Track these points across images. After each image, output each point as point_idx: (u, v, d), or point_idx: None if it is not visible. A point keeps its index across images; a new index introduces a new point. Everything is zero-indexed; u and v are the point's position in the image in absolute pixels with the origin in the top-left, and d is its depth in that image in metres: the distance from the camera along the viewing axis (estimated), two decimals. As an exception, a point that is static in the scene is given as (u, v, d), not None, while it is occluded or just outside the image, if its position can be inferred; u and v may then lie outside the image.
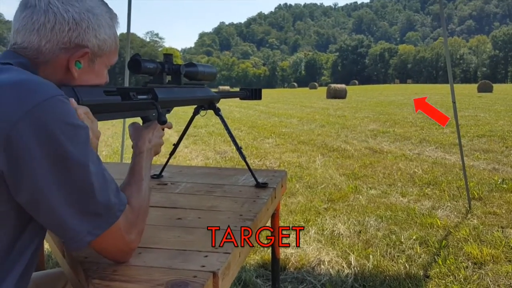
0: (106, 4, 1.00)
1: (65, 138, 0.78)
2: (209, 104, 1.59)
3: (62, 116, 0.79)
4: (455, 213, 3.68)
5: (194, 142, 8.26)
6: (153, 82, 1.24)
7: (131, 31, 4.61)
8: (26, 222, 0.85)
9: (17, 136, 0.75)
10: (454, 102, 3.67)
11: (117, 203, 0.88)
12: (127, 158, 4.81)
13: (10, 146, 0.75)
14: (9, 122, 0.75)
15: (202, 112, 1.66)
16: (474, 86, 39.16)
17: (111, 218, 0.86)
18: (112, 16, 1.01)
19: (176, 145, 1.81)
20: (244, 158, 1.67)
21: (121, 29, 1.11)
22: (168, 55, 1.30)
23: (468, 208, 3.78)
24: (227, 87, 41.42)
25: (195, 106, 1.61)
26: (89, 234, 0.84)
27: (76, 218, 0.81)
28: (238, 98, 1.87)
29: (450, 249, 2.91)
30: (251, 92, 1.88)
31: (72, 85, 0.93)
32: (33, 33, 0.88)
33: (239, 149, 1.68)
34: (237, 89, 1.89)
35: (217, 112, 1.62)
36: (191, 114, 1.70)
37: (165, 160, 1.91)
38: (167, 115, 1.26)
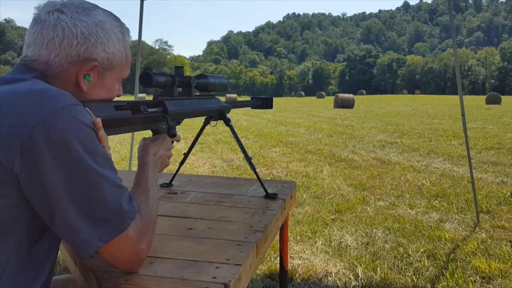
0: (118, 19, 1.02)
1: (80, 145, 0.81)
2: (219, 114, 1.60)
3: (80, 122, 0.82)
4: (463, 226, 3.66)
5: (201, 149, 8.27)
6: (164, 95, 1.26)
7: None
8: (40, 230, 0.87)
9: (34, 140, 0.77)
10: (463, 115, 3.67)
11: (128, 211, 0.89)
12: (135, 165, 4.83)
13: (27, 150, 0.77)
14: (28, 126, 0.77)
15: (212, 123, 1.67)
16: (483, 97, 38.93)
17: (121, 225, 0.87)
18: (124, 31, 1.02)
19: (186, 155, 1.81)
20: (254, 169, 1.67)
21: (133, 36, 1.12)
22: (180, 67, 1.32)
23: (476, 222, 3.75)
24: (234, 95, 41.65)
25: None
26: (99, 240, 0.84)
27: (86, 224, 0.83)
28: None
29: (458, 262, 2.89)
30: (262, 101, 1.89)
31: (82, 100, 0.95)
32: (43, 47, 0.91)
33: (249, 159, 1.68)
34: (245, 97, 1.89)
35: (227, 122, 1.61)
36: (200, 123, 1.70)
37: (175, 168, 1.92)
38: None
